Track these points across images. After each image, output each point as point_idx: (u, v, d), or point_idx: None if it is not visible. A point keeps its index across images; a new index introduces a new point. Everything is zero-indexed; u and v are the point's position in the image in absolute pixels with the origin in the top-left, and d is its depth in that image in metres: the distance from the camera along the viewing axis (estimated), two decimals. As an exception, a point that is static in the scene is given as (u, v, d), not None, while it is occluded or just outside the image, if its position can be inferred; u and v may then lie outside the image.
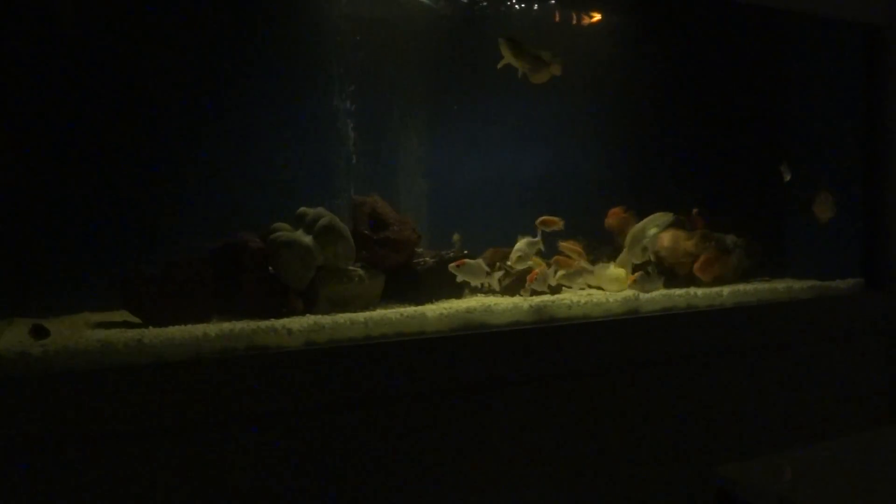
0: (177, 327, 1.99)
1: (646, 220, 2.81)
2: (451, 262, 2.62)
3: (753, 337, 2.71)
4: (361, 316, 2.12)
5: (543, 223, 2.68)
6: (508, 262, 2.63)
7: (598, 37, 3.34)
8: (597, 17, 3.32)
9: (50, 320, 2.08)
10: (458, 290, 2.54)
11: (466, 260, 2.46)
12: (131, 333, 1.89)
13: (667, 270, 2.93)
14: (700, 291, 2.75)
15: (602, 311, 2.48)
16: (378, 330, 2.07)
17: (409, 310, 2.25)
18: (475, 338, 2.15)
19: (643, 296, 2.62)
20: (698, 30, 3.43)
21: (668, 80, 3.48)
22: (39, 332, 1.78)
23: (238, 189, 2.62)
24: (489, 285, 2.56)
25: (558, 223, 2.69)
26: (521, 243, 2.59)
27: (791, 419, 2.79)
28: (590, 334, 2.35)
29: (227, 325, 2.00)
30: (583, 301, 2.46)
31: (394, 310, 2.27)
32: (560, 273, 2.65)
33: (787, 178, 3.08)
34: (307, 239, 2.29)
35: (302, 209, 2.41)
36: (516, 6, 3.14)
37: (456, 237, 2.81)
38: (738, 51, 3.48)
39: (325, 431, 1.93)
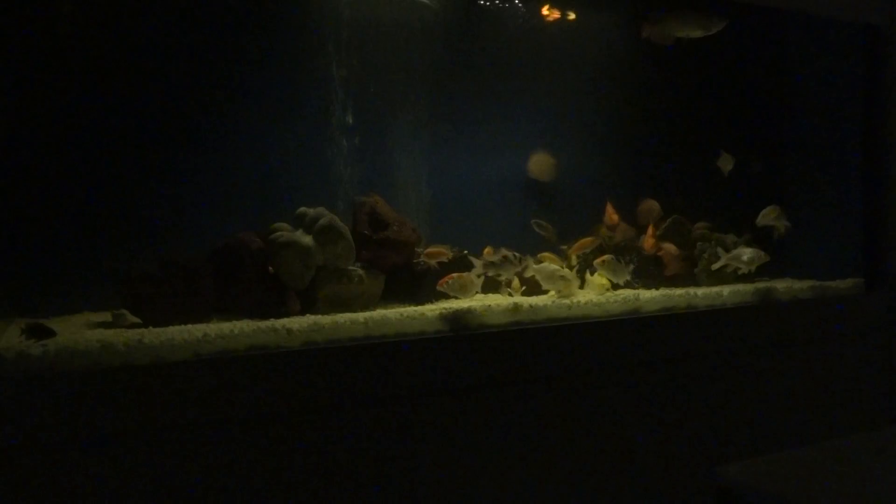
0: (177, 327, 1.99)
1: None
2: (452, 262, 2.63)
3: (753, 337, 2.71)
4: (361, 316, 2.12)
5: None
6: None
7: (596, 36, 3.34)
8: (595, 16, 3.33)
9: (50, 320, 2.08)
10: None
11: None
12: (131, 333, 1.89)
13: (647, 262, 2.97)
14: (700, 291, 2.75)
15: (602, 312, 2.49)
16: (378, 330, 2.07)
17: (409, 310, 2.25)
18: (475, 338, 2.15)
19: (643, 296, 2.62)
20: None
21: (668, 79, 3.48)
22: (39, 332, 1.78)
23: (238, 189, 2.62)
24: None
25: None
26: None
27: (791, 419, 2.79)
28: (590, 334, 2.35)
29: (227, 325, 1.99)
30: (583, 301, 2.46)
31: (394, 310, 2.28)
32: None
33: (729, 167, 3.14)
34: (307, 239, 2.29)
35: (302, 209, 2.41)
36: (516, 5, 3.14)
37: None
38: (739, 50, 3.48)
39: (325, 431, 1.93)
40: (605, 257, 2.72)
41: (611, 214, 3.08)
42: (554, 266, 2.63)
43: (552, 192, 3.23)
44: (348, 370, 1.94)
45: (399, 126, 2.95)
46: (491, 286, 2.72)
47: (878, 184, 3.14)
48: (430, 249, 2.64)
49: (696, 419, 2.57)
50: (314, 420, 1.91)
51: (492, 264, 2.52)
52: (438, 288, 2.46)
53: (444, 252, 2.61)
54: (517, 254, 2.57)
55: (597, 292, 2.70)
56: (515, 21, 3.17)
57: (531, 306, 2.36)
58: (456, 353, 2.10)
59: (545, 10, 3.21)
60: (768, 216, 3.00)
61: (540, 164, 3.11)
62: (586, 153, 3.34)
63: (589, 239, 2.98)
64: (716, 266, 2.94)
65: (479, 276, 2.54)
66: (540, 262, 2.73)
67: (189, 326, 2.00)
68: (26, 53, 2.32)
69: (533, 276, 2.62)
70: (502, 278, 2.62)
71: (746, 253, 2.91)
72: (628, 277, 2.74)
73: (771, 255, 2.98)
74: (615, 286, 2.80)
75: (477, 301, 2.49)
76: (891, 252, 3.12)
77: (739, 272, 2.94)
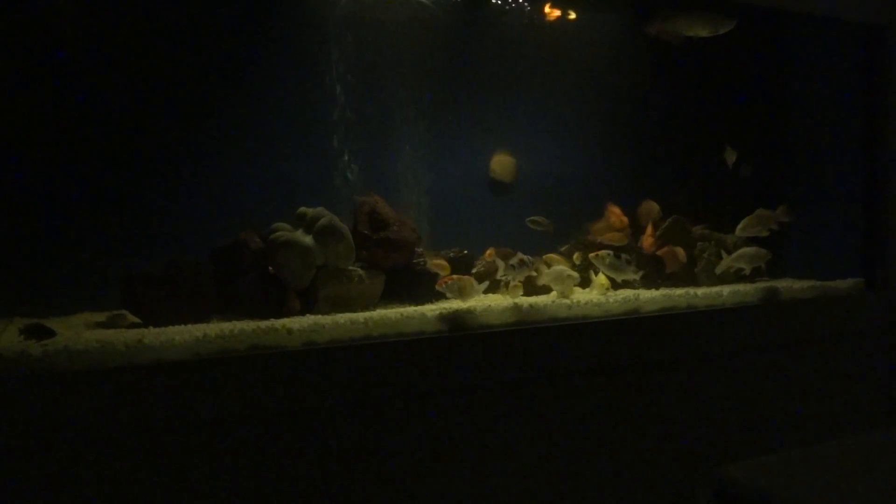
0: (177, 327, 1.99)
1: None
2: (453, 263, 2.63)
3: (753, 337, 2.71)
4: (361, 316, 2.11)
5: None
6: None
7: (595, 36, 3.35)
8: (594, 15, 3.33)
9: (50, 320, 2.08)
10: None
11: None
12: (131, 333, 1.89)
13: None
14: (700, 291, 2.75)
15: (602, 311, 2.48)
16: (378, 330, 2.07)
17: (409, 310, 2.25)
18: (475, 338, 2.15)
19: (643, 296, 2.62)
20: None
21: (669, 79, 3.48)
22: (39, 332, 1.78)
23: (238, 189, 2.63)
24: None
25: None
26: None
27: (791, 419, 2.79)
28: (590, 334, 2.35)
29: (227, 325, 1.99)
30: (583, 301, 2.46)
31: (394, 310, 2.27)
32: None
33: (733, 160, 3.13)
34: (307, 239, 2.29)
35: (302, 209, 2.41)
36: (516, 5, 3.14)
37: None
38: (739, 51, 3.48)
39: (326, 431, 1.93)
40: (601, 252, 2.72)
41: (619, 216, 3.08)
42: (561, 267, 2.63)
43: (551, 191, 3.24)
44: (348, 370, 1.94)
45: (399, 126, 2.95)
46: (491, 286, 2.73)
47: (879, 184, 3.14)
48: (436, 261, 2.65)
49: (696, 419, 2.57)
50: (314, 420, 1.91)
51: (511, 267, 2.55)
52: (437, 288, 2.46)
53: (444, 266, 2.64)
54: (530, 257, 2.59)
55: (599, 292, 2.70)
56: (515, 21, 3.17)
57: (531, 306, 2.36)
58: (456, 353, 2.10)
59: (545, 10, 3.21)
60: (748, 227, 2.97)
61: (502, 164, 3.11)
62: (585, 153, 3.35)
63: (617, 234, 2.98)
64: (719, 269, 2.94)
65: (502, 278, 2.57)
66: (547, 264, 2.74)
67: (189, 326, 2.01)
68: (28, 53, 2.32)
69: (534, 279, 2.63)
70: (509, 278, 2.63)
71: (748, 252, 2.91)
72: (634, 276, 2.74)
73: (772, 253, 2.97)
74: (615, 285, 2.80)
75: (477, 301, 2.49)
76: (891, 252, 3.12)
77: (743, 273, 2.93)
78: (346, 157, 2.82)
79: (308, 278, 2.28)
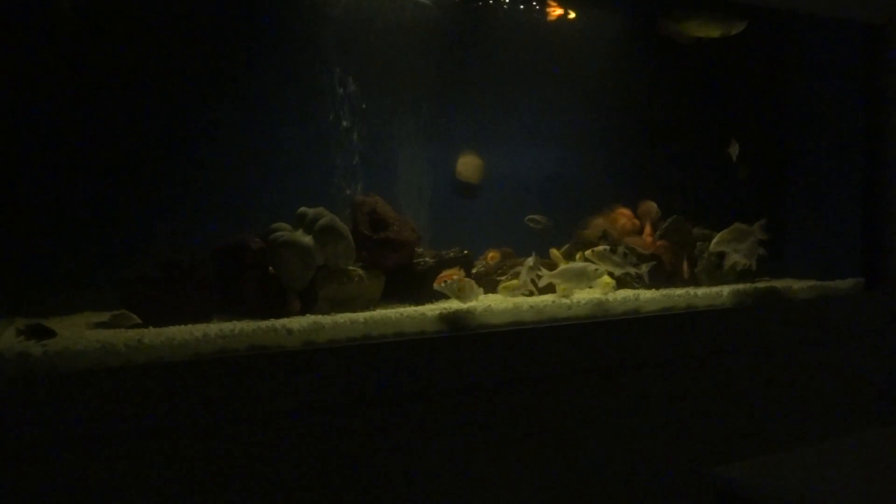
0: (177, 327, 1.99)
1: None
2: (452, 262, 2.63)
3: (753, 337, 2.71)
4: (361, 316, 2.11)
5: None
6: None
7: (593, 35, 3.35)
8: (592, 15, 3.33)
9: (50, 320, 2.08)
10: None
11: None
12: (131, 333, 1.89)
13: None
14: (700, 291, 2.75)
15: (602, 312, 2.48)
16: (378, 330, 2.07)
17: (409, 310, 2.25)
18: (475, 338, 2.15)
19: (643, 296, 2.62)
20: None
21: (668, 79, 3.48)
22: (39, 332, 1.78)
23: (238, 189, 2.62)
24: None
25: None
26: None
27: (791, 419, 2.79)
28: (590, 334, 2.35)
29: (227, 325, 2.00)
30: (583, 301, 2.46)
31: (394, 310, 2.27)
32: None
33: (736, 153, 3.11)
34: (307, 239, 2.29)
35: (302, 209, 2.41)
36: (514, 5, 3.14)
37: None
38: (739, 51, 3.48)
39: (325, 431, 1.93)
40: (598, 248, 2.72)
41: (631, 218, 3.08)
42: (582, 263, 2.64)
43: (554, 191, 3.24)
44: (348, 370, 1.94)
45: (399, 126, 2.95)
46: (491, 286, 2.73)
47: (878, 184, 3.14)
48: (445, 273, 2.63)
49: (696, 419, 2.57)
50: (314, 420, 1.91)
51: (531, 269, 2.57)
52: (435, 286, 2.44)
53: (458, 273, 2.63)
54: (536, 258, 2.62)
55: (602, 290, 2.70)
56: (516, 20, 3.17)
57: (531, 306, 2.36)
58: (456, 353, 2.10)
59: (546, 9, 3.21)
60: (723, 241, 2.92)
61: (467, 165, 3.10)
62: (586, 153, 3.35)
63: (640, 239, 2.98)
64: (728, 265, 2.92)
65: (524, 284, 2.58)
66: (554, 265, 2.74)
67: (189, 326, 2.01)
68: (26, 54, 2.32)
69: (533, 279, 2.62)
70: (531, 277, 2.62)
71: (744, 248, 2.89)
72: (635, 270, 2.73)
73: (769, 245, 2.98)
74: (616, 282, 2.80)
75: (477, 301, 2.49)
76: (891, 252, 3.11)
77: (751, 268, 2.92)
78: (344, 157, 2.82)
79: (308, 278, 2.28)
